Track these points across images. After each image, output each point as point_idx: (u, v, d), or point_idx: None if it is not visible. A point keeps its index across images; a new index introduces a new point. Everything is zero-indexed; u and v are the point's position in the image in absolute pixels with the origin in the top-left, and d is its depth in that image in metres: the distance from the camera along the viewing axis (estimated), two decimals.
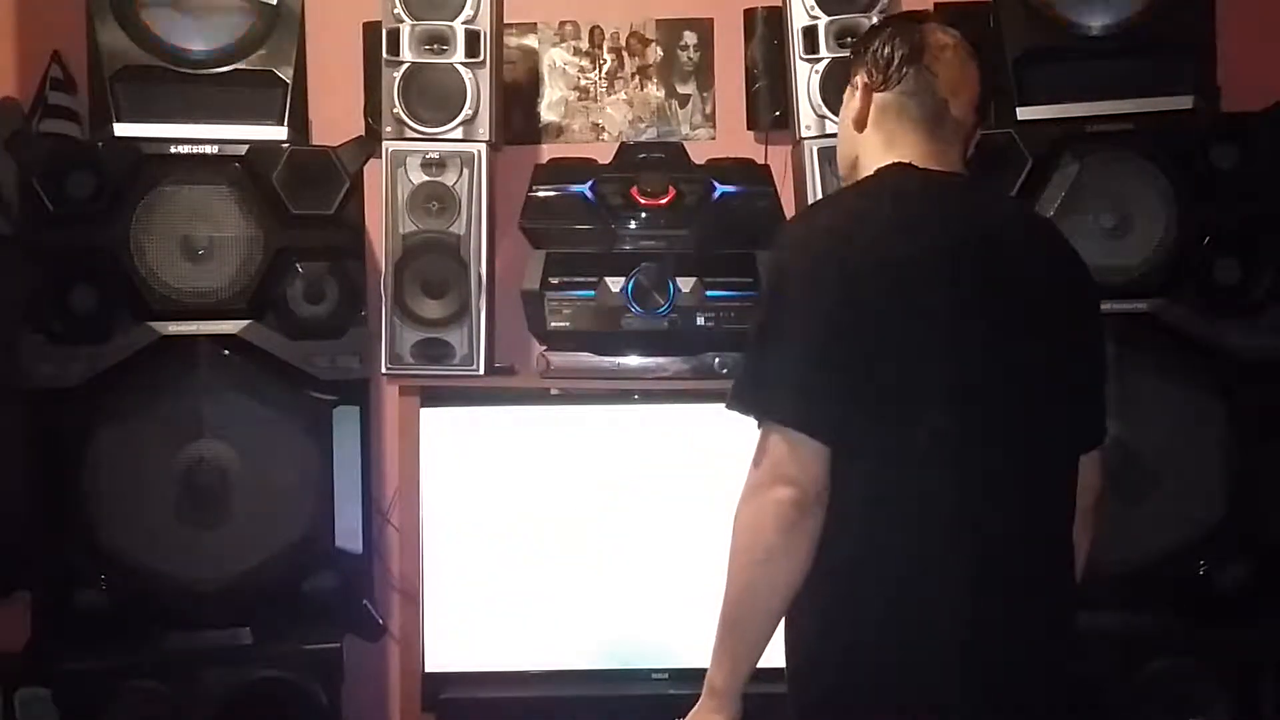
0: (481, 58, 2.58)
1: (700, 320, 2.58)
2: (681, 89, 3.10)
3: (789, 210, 2.69)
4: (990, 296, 1.62)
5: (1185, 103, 2.51)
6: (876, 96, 1.74)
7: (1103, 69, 2.55)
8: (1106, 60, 2.55)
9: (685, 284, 2.58)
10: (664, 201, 2.61)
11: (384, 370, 2.63)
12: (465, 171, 2.59)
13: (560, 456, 2.65)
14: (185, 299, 2.56)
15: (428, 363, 2.60)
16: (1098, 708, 2.32)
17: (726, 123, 3.07)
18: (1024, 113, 2.55)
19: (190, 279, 2.56)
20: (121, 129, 2.58)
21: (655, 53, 3.10)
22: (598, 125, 3.10)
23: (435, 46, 2.57)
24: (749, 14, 3.00)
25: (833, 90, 2.47)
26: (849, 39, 2.47)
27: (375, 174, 2.62)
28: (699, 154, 2.75)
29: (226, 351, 2.58)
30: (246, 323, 2.58)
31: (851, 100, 1.79)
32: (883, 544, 1.58)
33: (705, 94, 3.09)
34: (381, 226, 2.61)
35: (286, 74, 2.64)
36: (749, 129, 3.02)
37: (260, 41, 2.63)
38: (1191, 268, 2.48)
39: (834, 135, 2.05)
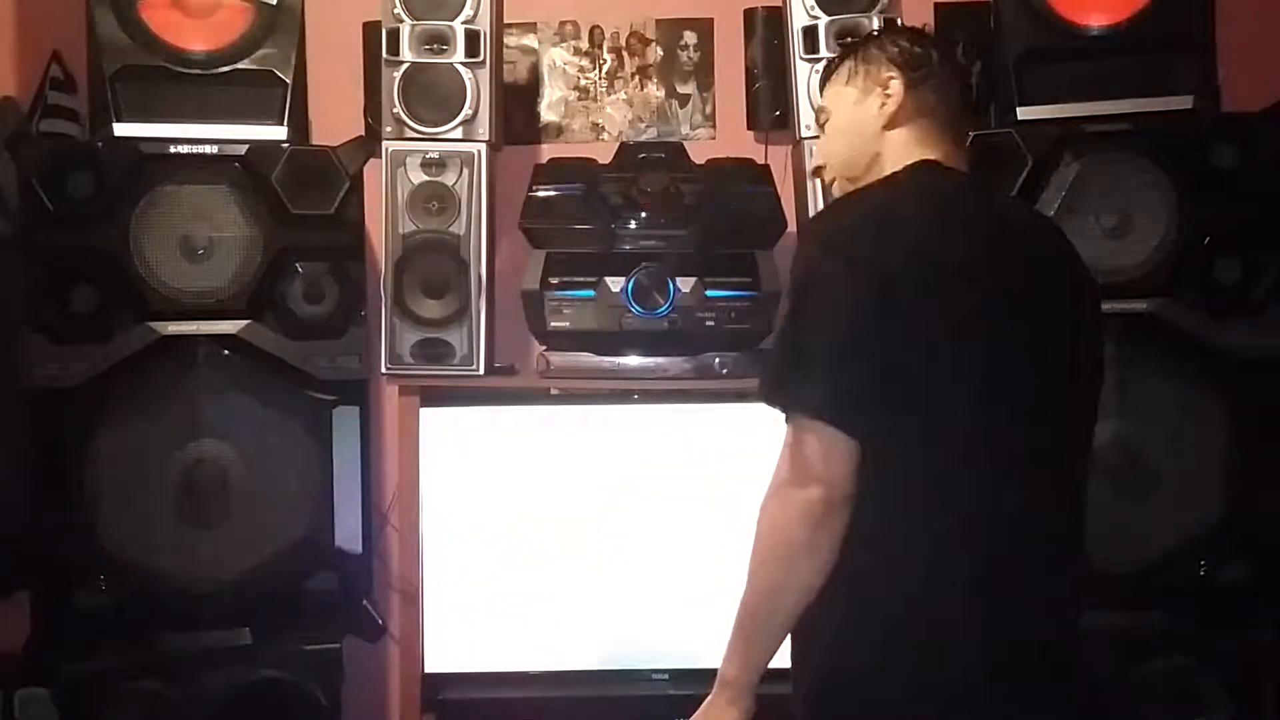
0: (481, 58, 2.58)
1: (700, 320, 2.58)
2: (681, 89, 3.10)
3: (789, 210, 2.68)
4: (1021, 298, 1.62)
5: (1185, 102, 2.51)
6: (909, 94, 1.74)
7: (1102, 69, 2.55)
8: (1106, 60, 2.55)
9: (685, 284, 2.58)
10: (664, 202, 2.61)
11: (384, 370, 2.63)
12: (465, 171, 2.59)
13: (560, 456, 2.66)
14: (185, 299, 2.55)
15: (428, 363, 2.60)
16: (1105, 710, 2.32)
17: (726, 123, 3.07)
18: (1024, 113, 2.55)
19: (190, 279, 2.55)
20: (121, 129, 2.57)
21: (655, 52, 3.10)
22: (598, 125, 3.10)
23: (435, 46, 2.57)
24: (749, 14, 3.00)
25: None
26: (849, 39, 2.46)
27: (375, 174, 2.62)
28: (699, 154, 2.74)
29: (226, 351, 2.57)
30: (246, 323, 2.58)
31: (868, 99, 1.77)
32: (906, 549, 1.57)
33: (705, 94, 3.09)
34: (381, 226, 2.61)
35: (286, 74, 2.64)
36: (749, 129, 3.02)
37: (260, 41, 2.62)
38: (1192, 268, 2.48)
39: None
